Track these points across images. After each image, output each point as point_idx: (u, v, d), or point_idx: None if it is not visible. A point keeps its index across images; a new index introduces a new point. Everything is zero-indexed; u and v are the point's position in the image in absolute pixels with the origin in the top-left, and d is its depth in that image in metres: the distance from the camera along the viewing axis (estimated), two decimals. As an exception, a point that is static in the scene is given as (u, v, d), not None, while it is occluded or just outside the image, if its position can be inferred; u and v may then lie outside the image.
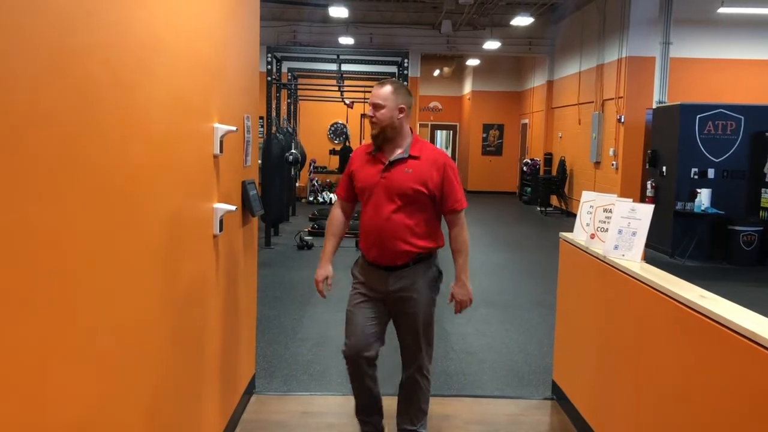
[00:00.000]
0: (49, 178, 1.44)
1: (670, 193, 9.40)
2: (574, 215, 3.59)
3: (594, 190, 3.60)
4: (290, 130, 10.71)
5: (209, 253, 2.80)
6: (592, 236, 3.33)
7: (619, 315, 2.95)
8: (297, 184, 13.49)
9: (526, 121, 18.55)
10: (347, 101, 11.73)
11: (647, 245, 3.07)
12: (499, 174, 19.40)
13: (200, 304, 2.69)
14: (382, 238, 2.91)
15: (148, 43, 2.02)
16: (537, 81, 17.33)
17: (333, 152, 15.92)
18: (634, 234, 2.96)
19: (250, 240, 3.68)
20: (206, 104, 2.72)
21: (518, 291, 7.20)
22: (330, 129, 16.46)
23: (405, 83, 3.13)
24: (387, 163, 2.93)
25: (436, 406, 3.78)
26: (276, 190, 8.99)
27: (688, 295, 2.32)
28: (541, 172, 15.92)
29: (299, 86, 12.55)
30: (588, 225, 3.41)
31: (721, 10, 10.98)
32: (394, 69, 10.92)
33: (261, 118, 10.96)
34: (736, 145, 9.23)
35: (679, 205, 9.19)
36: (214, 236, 2.85)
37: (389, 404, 3.21)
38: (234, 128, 2.93)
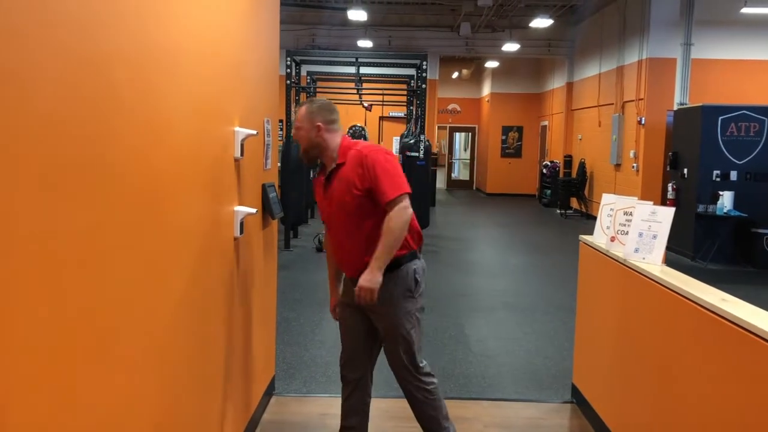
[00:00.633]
0: (74, 184, 1.47)
1: (691, 196, 9.31)
2: (594, 218, 3.58)
3: (614, 193, 3.58)
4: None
5: (230, 256, 2.83)
6: (613, 239, 3.31)
7: (639, 318, 2.93)
8: (316, 187, 13.51)
9: (546, 123, 18.46)
10: (366, 104, 11.77)
11: (668, 248, 3.06)
12: (519, 176, 19.32)
13: (221, 306, 2.71)
14: (343, 255, 2.92)
15: (170, 48, 2.05)
16: (556, 83, 17.25)
17: (352, 155, 15.92)
18: (654, 237, 2.94)
19: (270, 242, 3.71)
20: (227, 108, 2.75)
21: (538, 294, 7.17)
22: (348, 132, 16.44)
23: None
24: (324, 180, 2.90)
25: (455, 409, 3.78)
26: (295, 193, 9.03)
27: (709, 298, 2.30)
28: (561, 175, 15.83)
29: (318, 89, 12.60)
30: (608, 228, 3.40)
31: (744, 10, 10.86)
32: (412, 71, 10.94)
33: (281, 121, 11.02)
34: (759, 147, 9.10)
35: (700, 208, 9.09)
36: (235, 239, 2.88)
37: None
38: (254, 132, 2.96)
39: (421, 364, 2.93)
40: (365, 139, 13.36)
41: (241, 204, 2.95)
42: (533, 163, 19.23)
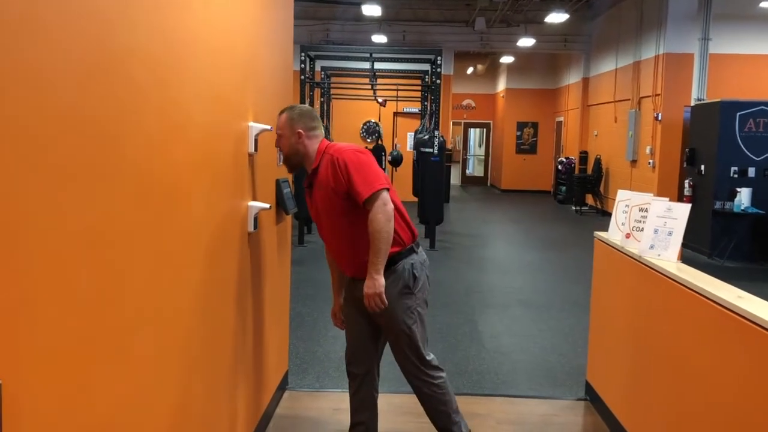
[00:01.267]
0: (94, 177, 1.47)
1: (708, 193, 9.22)
2: (610, 214, 3.55)
3: (630, 189, 3.55)
4: (323, 128, 10.75)
5: (244, 251, 2.84)
6: (628, 236, 3.29)
7: (654, 315, 2.91)
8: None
9: (561, 119, 18.35)
10: (380, 99, 11.75)
11: (684, 245, 3.03)
12: (534, 172, 19.22)
13: (235, 300, 2.72)
14: (339, 257, 2.94)
15: (187, 43, 2.05)
16: (572, 78, 17.14)
17: (365, 151, 15.93)
18: (670, 233, 2.92)
19: (284, 238, 3.71)
20: (242, 103, 2.76)
21: (552, 291, 7.13)
22: (363, 128, 16.49)
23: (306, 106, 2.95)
24: (308, 186, 2.90)
25: (467, 405, 3.77)
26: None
27: (725, 295, 2.28)
28: (576, 171, 15.74)
29: (332, 85, 12.60)
30: (623, 224, 3.37)
31: (763, 4, 10.73)
32: (427, 67, 10.91)
33: (295, 116, 11.04)
34: (778, 144, 9.01)
35: (717, 205, 9.00)
36: (249, 234, 2.89)
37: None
38: (268, 127, 2.97)
39: (428, 358, 2.93)
40: (379, 135, 13.36)
41: (254, 199, 2.96)
42: (548, 160, 19.13)
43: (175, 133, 1.97)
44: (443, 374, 2.98)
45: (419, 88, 11.97)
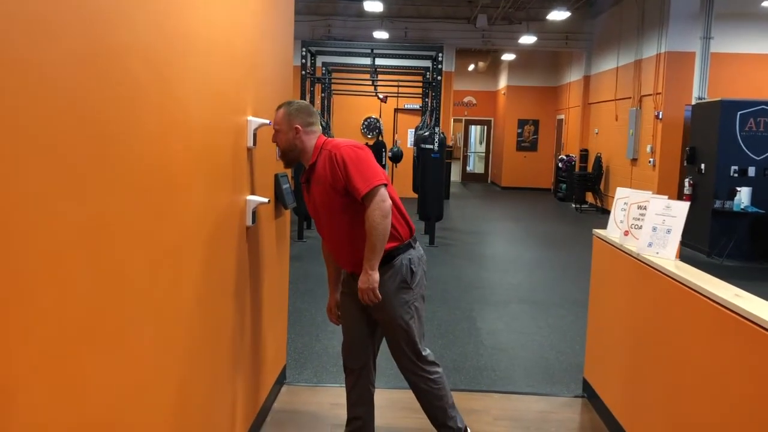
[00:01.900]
0: (90, 173, 1.47)
1: (708, 191, 9.22)
2: (610, 212, 3.55)
3: (630, 187, 3.55)
4: (324, 124, 10.76)
5: (242, 245, 2.84)
6: (626, 233, 3.29)
7: (652, 313, 2.91)
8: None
9: (562, 116, 18.33)
10: (381, 96, 11.74)
11: (684, 244, 3.03)
12: (534, 170, 19.21)
13: (233, 295, 2.73)
14: (337, 252, 2.95)
15: (185, 37, 2.05)
16: (573, 76, 17.12)
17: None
18: (668, 231, 2.92)
19: (283, 232, 3.71)
20: (240, 97, 2.76)
21: (551, 288, 7.14)
22: (363, 123, 16.48)
23: (305, 103, 2.93)
24: (305, 181, 2.90)
25: (464, 401, 3.78)
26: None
27: (722, 293, 2.28)
28: (577, 169, 15.72)
29: (333, 80, 12.59)
30: (622, 222, 3.37)
31: (765, 3, 10.71)
32: (428, 63, 10.90)
33: (295, 112, 11.02)
34: (778, 143, 9.00)
35: (717, 204, 9.01)
36: (247, 228, 2.89)
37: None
38: (267, 121, 2.96)
39: (424, 353, 2.94)
40: (380, 131, 13.36)
41: (253, 193, 2.96)
42: (549, 157, 19.11)
43: (173, 127, 1.97)
44: (439, 369, 2.99)
45: (420, 84, 11.96)
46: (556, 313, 6.03)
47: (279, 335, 3.78)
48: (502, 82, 20.31)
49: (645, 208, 3.14)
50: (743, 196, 8.85)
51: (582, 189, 14.69)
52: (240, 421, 2.93)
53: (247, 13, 2.81)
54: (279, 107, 2.90)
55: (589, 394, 3.84)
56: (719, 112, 9.11)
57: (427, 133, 9.58)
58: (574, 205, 14.90)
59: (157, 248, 1.87)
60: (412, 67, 11.89)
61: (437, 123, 9.57)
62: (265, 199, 2.99)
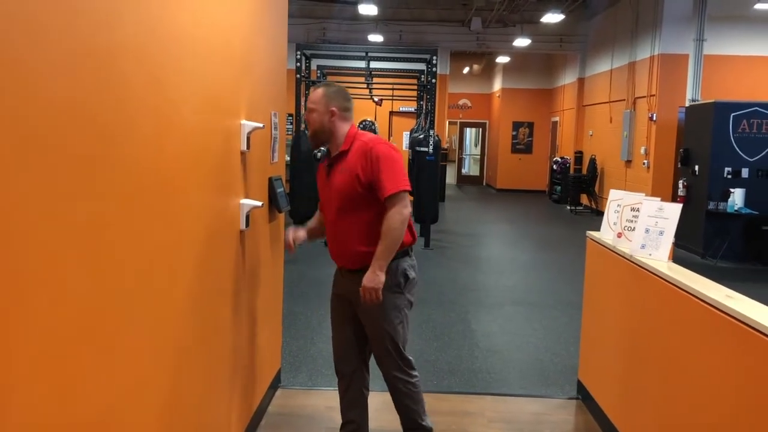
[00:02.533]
0: (86, 175, 1.48)
1: (702, 193, 9.25)
2: (604, 214, 3.57)
3: (625, 189, 3.56)
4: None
5: (236, 248, 2.84)
6: (619, 235, 3.30)
7: (645, 315, 2.92)
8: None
9: (557, 118, 18.38)
10: (376, 99, 11.75)
11: (678, 246, 3.04)
12: (529, 172, 19.25)
13: (228, 298, 2.73)
14: (335, 242, 2.93)
15: (179, 40, 2.05)
16: (568, 78, 17.17)
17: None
18: (661, 233, 2.93)
19: (277, 236, 3.72)
20: (234, 101, 2.76)
21: (546, 290, 7.15)
22: (359, 126, 16.38)
23: (336, 88, 2.96)
24: (327, 165, 2.90)
25: (459, 403, 3.79)
26: (304, 187, 9.04)
27: (714, 295, 2.29)
28: (571, 171, 15.77)
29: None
30: (615, 224, 3.39)
31: (758, 6, 10.75)
32: (423, 66, 10.91)
33: (290, 115, 11.03)
34: (771, 145, 9.04)
35: (711, 205, 9.04)
36: (241, 232, 2.89)
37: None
38: (261, 125, 2.97)
39: (408, 357, 2.96)
40: (375, 133, 13.36)
41: (247, 197, 2.96)
42: (544, 159, 19.16)
43: (166, 130, 1.97)
44: (418, 374, 3.03)
45: (415, 87, 11.97)
46: (551, 315, 6.05)
47: (274, 338, 3.77)
48: (497, 85, 20.35)
49: (638, 210, 3.15)
50: (737, 197, 8.88)
51: (577, 191, 14.72)
52: (234, 424, 2.92)
53: (240, 15, 2.82)
54: (317, 86, 2.90)
55: (583, 395, 3.84)
56: (712, 114, 9.15)
57: (422, 136, 9.60)
58: (568, 207, 14.93)
59: (150, 251, 1.87)
60: (406, 70, 11.90)
61: (432, 126, 9.59)
62: (259, 203, 2.99)
